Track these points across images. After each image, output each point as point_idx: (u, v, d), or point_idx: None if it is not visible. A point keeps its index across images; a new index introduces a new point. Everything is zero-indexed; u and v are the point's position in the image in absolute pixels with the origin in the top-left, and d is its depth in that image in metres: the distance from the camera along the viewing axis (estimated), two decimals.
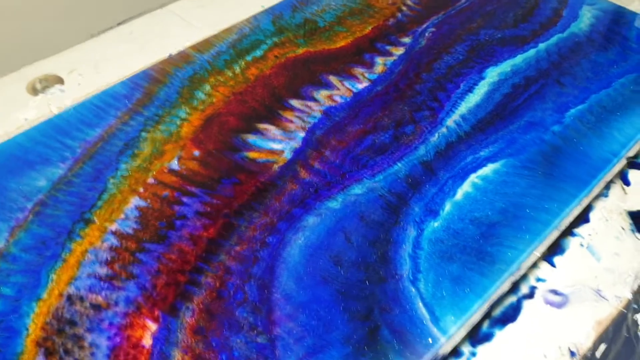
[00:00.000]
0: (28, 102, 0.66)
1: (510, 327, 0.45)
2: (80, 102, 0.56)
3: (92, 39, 0.77)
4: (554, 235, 0.46)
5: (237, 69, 0.59)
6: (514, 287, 0.47)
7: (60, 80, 0.69)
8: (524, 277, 0.48)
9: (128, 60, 0.66)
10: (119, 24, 0.80)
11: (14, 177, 0.49)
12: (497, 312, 0.46)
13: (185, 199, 0.48)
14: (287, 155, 0.51)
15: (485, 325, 0.45)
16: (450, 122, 0.54)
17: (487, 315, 0.45)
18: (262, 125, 0.54)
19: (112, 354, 0.39)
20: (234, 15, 0.70)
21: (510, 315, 0.46)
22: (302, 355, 0.38)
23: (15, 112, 0.63)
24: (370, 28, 0.65)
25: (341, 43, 0.63)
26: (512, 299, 0.47)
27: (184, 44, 0.65)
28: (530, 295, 0.47)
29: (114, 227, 0.46)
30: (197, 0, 0.77)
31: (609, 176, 0.50)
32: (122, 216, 0.46)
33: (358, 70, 0.59)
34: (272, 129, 0.53)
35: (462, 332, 0.40)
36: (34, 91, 0.68)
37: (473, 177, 0.49)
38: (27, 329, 0.40)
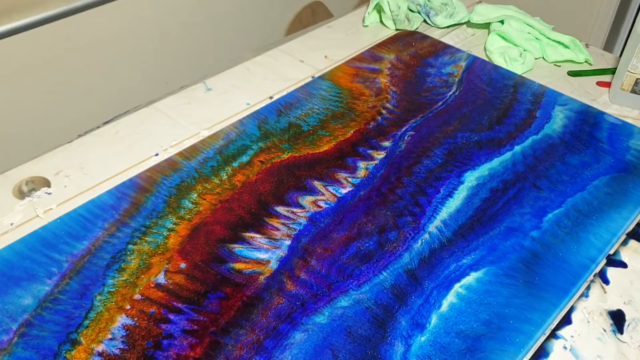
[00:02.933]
0: (14, 206, 0.66)
1: None
2: (67, 212, 0.57)
3: (79, 139, 0.78)
4: (538, 340, 0.47)
5: (224, 176, 0.61)
6: None
7: (46, 183, 0.70)
8: None
9: (114, 161, 0.68)
10: (105, 123, 0.82)
11: (0, 295, 0.49)
12: None
13: (171, 316, 0.48)
14: (273, 265, 0.52)
15: None
16: (432, 227, 0.55)
17: None
18: (248, 234, 0.54)
19: None
20: (220, 112, 0.72)
21: None
22: None
23: (1, 217, 0.63)
24: (352, 132, 0.67)
25: (325, 147, 0.65)
26: None
27: (170, 143, 0.67)
28: None
29: (100, 348, 0.45)
30: (183, 98, 0.79)
31: (589, 277, 0.51)
32: (109, 336, 0.46)
33: (341, 175, 0.61)
34: (258, 238, 0.54)
35: None
36: (21, 194, 0.68)
37: (457, 287, 0.50)
38: None
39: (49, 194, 0.68)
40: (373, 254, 0.53)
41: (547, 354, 0.48)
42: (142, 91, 1.03)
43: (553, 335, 0.49)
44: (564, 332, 0.49)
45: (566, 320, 0.50)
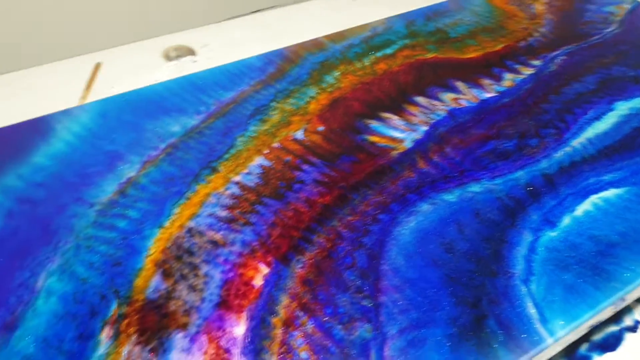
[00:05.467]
0: (161, 66, 0.70)
1: (609, 355, 0.44)
2: (217, 66, 0.59)
3: (227, 21, 0.81)
4: None
5: (367, 62, 0.61)
6: (617, 318, 0.46)
7: (192, 52, 0.73)
8: (628, 309, 0.46)
9: (259, 45, 0.70)
10: (253, 12, 0.84)
11: (151, 119, 0.53)
12: (597, 337, 0.45)
13: (305, 167, 0.49)
14: (408, 144, 0.52)
15: (584, 348, 0.44)
16: (576, 143, 0.53)
17: (585, 339, 0.44)
18: (385, 114, 0.55)
19: (224, 286, 0.40)
20: (366, 21, 0.73)
21: (611, 343, 0.45)
22: (405, 326, 0.38)
23: (147, 74, 0.67)
24: (501, 46, 0.65)
25: (471, 54, 0.63)
26: (614, 328, 0.46)
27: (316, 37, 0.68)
28: (634, 328, 0.45)
29: (237, 178, 0.48)
30: (332, 2, 0.80)
31: None
32: (246, 170, 0.48)
33: (485, 81, 0.60)
34: (395, 119, 0.54)
35: (571, 337, 0.39)
36: (168, 58, 0.72)
37: (594, 198, 0.48)
38: (147, 250, 0.42)
39: (194, 62, 0.71)
40: (510, 154, 0.52)
41: None
42: None
43: None
44: None
45: None
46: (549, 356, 0.39)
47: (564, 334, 0.38)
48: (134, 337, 0.37)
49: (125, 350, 0.36)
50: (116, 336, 0.37)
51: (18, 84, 0.66)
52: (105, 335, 0.37)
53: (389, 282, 0.41)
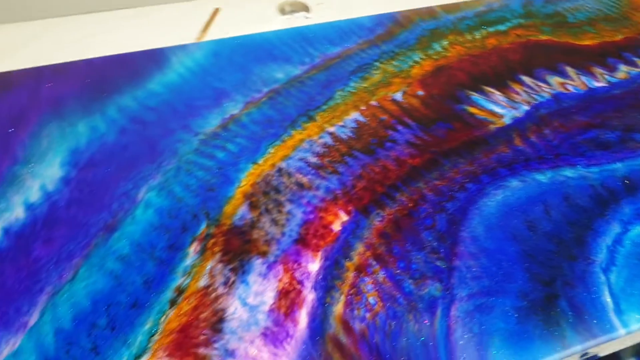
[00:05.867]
0: (275, 19, 0.72)
1: None
2: (328, 22, 0.61)
3: None
4: None
5: (477, 36, 0.61)
6: None
7: (306, 9, 0.75)
8: None
9: (372, 7, 0.70)
10: None
11: (258, 64, 0.55)
12: None
13: (399, 127, 0.50)
14: (506, 120, 0.51)
15: None
16: None
17: None
18: (488, 88, 0.54)
19: (304, 225, 0.42)
20: None
21: None
22: (475, 292, 0.39)
23: (261, 24, 0.70)
24: (621, 37, 0.62)
25: (587, 42, 0.61)
26: None
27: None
28: None
29: (332, 129, 0.49)
30: None
31: None
32: (341, 123, 0.50)
33: (597, 70, 0.58)
34: (497, 94, 0.54)
35: None
36: (282, 12, 0.74)
37: None
38: (239, 182, 0.45)
39: (307, 18, 0.73)
40: (611, 145, 0.50)
41: None
42: None
43: None
44: None
45: None
46: (616, 349, 0.39)
47: (638, 328, 0.38)
48: (218, 256, 0.40)
49: (209, 265, 0.39)
50: (202, 252, 0.40)
51: (144, 18, 0.70)
52: (192, 249, 0.40)
53: (465, 248, 0.41)
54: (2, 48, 0.59)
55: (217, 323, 0.37)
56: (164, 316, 0.37)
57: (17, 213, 0.41)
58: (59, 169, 0.44)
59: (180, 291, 0.38)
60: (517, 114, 0.52)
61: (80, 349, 0.35)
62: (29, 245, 0.40)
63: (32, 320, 0.36)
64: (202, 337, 0.36)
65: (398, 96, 0.53)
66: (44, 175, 0.44)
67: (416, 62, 0.56)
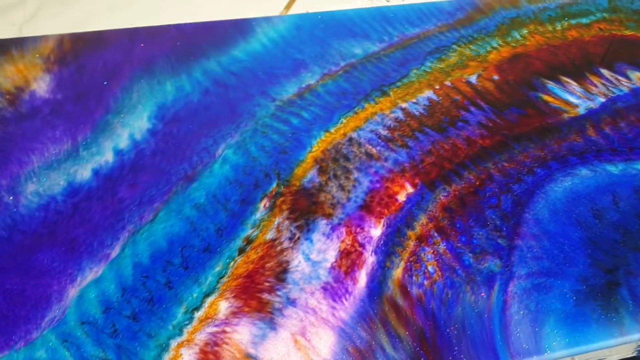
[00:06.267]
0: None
1: None
2: (409, 3, 0.62)
3: None
4: None
5: (558, 27, 0.60)
6: None
7: None
8: None
9: None
10: None
11: (337, 39, 0.56)
12: None
13: (472, 109, 0.50)
14: (581, 110, 0.51)
15: None
16: None
17: None
18: (564, 78, 0.54)
19: (369, 193, 0.43)
20: None
21: None
22: (534, 271, 0.39)
23: (343, 3, 0.71)
24: None
25: None
26: None
27: None
28: None
29: (404, 105, 0.50)
30: None
31: None
32: (414, 100, 0.51)
33: None
34: (574, 84, 0.53)
35: None
36: None
37: None
38: (311, 147, 0.47)
39: (388, 2, 0.74)
40: None
41: None
42: None
43: None
44: None
45: None
46: None
47: None
48: (285, 213, 0.42)
49: (277, 220, 0.41)
50: (271, 208, 0.42)
51: None
52: (262, 205, 0.42)
53: (528, 229, 0.42)
54: (104, 8, 0.63)
55: (281, 273, 0.39)
56: (233, 262, 0.39)
57: (107, 157, 0.45)
58: (147, 122, 0.47)
59: (249, 241, 0.40)
60: (593, 105, 0.52)
61: (155, 283, 0.38)
62: (115, 187, 0.43)
63: (114, 253, 0.39)
64: (266, 284, 0.38)
65: (473, 79, 0.53)
66: (133, 126, 0.47)
67: (494, 48, 0.57)
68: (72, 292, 0.37)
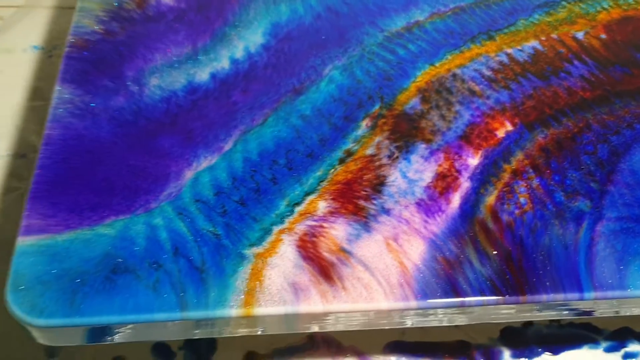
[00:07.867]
0: None
1: None
2: None
3: None
4: None
5: None
6: None
7: None
8: None
9: None
10: None
11: None
12: None
13: (576, 62, 0.51)
14: None
15: None
16: None
17: None
18: None
19: (469, 125, 0.45)
20: None
21: None
22: (624, 216, 0.40)
23: None
24: None
25: None
26: None
27: None
28: None
29: (509, 50, 0.51)
30: None
31: None
32: (519, 47, 0.52)
33: None
34: None
35: None
36: None
37: None
38: (415, 77, 0.48)
39: None
40: None
41: None
42: None
43: None
44: None
45: None
46: None
47: None
48: (386, 133, 0.44)
49: (377, 139, 0.44)
50: (373, 127, 0.44)
51: None
52: (364, 123, 0.45)
53: (622, 178, 0.42)
54: None
55: (378, 185, 0.41)
56: (333, 169, 0.42)
57: (223, 64, 0.48)
58: (261, 37, 0.50)
59: (349, 153, 0.43)
60: None
61: (262, 177, 0.41)
62: (230, 91, 0.46)
63: (227, 146, 0.43)
64: (363, 193, 0.41)
65: (580, 35, 0.53)
66: (248, 39, 0.50)
67: (604, 9, 0.56)
68: (188, 175, 0.41)
